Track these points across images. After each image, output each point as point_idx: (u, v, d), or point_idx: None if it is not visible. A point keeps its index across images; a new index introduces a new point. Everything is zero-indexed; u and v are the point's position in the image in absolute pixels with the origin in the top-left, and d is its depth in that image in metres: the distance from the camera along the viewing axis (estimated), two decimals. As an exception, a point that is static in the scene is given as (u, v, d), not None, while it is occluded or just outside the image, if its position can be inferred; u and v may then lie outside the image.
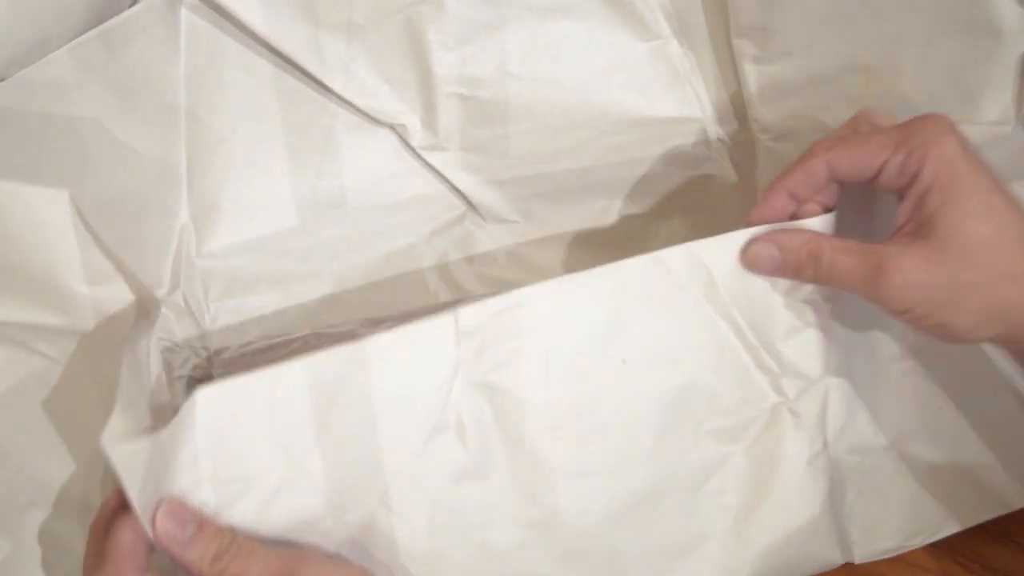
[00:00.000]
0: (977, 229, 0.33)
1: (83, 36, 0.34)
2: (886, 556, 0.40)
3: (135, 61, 0.37)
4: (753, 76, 0.44)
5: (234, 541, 0.30)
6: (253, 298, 0.45)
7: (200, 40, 0.38)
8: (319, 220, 0.45)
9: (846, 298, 0.37)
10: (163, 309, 0.42)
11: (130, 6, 0.35)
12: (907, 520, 0.40)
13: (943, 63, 0.39)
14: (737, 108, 0.47)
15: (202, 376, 0.43)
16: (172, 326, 0.42)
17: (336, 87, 0.41)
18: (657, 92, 0.45)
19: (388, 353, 0.33)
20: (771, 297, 0.37)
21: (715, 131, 0.47)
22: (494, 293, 0.47)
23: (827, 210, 0.37)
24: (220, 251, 0.43)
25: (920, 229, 0.34)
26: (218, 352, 0.43)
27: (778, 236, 0.36)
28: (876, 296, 0.34)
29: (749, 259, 0.36)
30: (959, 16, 0.38)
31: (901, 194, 0.35)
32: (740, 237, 0.36)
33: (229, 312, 0.44)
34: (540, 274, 0.47)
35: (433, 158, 0.45)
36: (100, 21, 0.34)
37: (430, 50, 0.41)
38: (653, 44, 0.44)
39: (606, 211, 0.48)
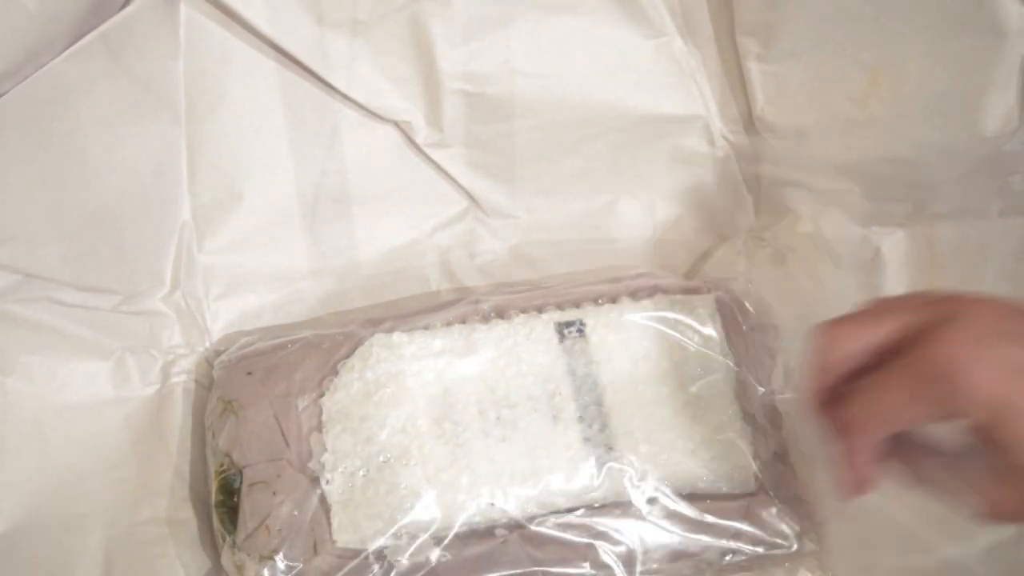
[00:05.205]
0: None
1: (83, 40, 0.34)
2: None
3: (135, 60, 0.36)
4: (757, 74, 0.44)
5: None
6: (254, 296, 0.45)
7: (200, 37, 0.38)
8: (322, 216, 0.45)
9: None
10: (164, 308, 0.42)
11: (122, 7, 0.34)
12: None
13: (947, 63, 0.39)
14: (741, 106, 0.46)
15: (201, 377, 0.43)
16: (173, 325, 0.42)
17: (339, 85, 0.41)
18: (661, 89, 0.45)
19: None
20: None
21: (719, 128, 0.47)
22: (496, 288, 0.48)
23: None
24: (222, 248, 0.43)
25: None
26: (218, 353, 0.43)
27: None
28: None
29: None
30: (963, 16, 0.38)
31: None
32: None
33: (230, 310, 0.44)
34: (542, 270, 0.48)
35: (437, 154, 0.44)
36: (100, 22, 0.34)
37: (435, 46, 0.41)
38: (657, 41, 0.44)
39: (609, 207, 0.48)
